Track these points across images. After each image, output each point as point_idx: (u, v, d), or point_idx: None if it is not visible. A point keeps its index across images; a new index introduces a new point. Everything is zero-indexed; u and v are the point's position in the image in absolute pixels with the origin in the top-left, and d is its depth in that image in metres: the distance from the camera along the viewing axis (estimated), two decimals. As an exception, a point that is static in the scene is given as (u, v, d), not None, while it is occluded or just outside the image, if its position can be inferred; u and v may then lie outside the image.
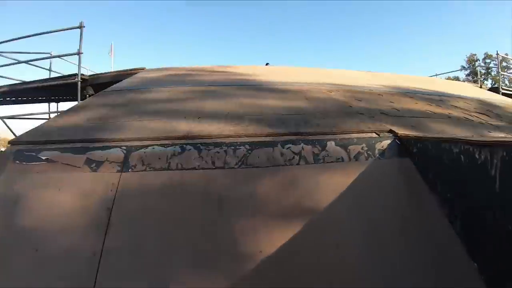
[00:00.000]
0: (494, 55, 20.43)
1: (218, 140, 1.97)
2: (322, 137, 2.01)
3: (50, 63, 7.39)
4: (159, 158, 1.83)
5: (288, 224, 1.56)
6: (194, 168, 1.80)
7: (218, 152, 1.86)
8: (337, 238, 1.53)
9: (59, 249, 1.47)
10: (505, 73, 11.67)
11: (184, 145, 1.90)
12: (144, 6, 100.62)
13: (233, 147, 1.88)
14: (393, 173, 1.84)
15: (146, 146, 1.90)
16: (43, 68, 7.25)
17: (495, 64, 20.64)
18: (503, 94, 6.92)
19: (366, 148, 1.93)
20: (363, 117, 2.51)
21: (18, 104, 7.34)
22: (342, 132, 2.11)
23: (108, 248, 1.45)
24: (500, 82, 8.36)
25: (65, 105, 7.23)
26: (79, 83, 5.08)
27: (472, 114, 3.24)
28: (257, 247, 1.47)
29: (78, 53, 5.20)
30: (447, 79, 22.46)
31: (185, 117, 2.43)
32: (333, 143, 1.94)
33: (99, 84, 5.42)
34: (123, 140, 1.97)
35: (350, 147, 1.92)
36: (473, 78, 21.50)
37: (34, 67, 6.69)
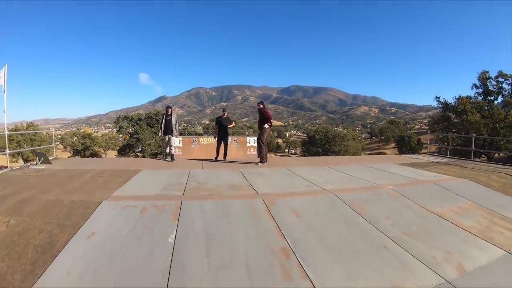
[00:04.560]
0: (509, 73, 19.72)
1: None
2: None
3: None
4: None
5: None
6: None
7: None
8: None
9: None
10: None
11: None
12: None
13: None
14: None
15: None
16: None
17: (508, 84, 19.92)
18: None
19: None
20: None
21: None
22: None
23: None
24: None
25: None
26: None
27: None
28: None
29: None
30: (458, 98, 21.71)
31: None
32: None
33: None
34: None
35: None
36: (484, 98, 20.76)
37: None
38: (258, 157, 7.85)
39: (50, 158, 8.03)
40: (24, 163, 44.41)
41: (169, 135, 8.15)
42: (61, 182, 5.06)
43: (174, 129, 8.08)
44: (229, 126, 8.37)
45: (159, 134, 8.33)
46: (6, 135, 6.49)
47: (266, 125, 7.32)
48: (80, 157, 57.94)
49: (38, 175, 5.69)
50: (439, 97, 24.53)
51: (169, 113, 8.12)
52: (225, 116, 8.35)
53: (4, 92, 6.30)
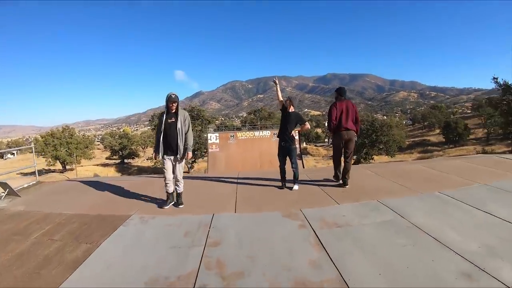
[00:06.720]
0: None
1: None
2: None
3: None
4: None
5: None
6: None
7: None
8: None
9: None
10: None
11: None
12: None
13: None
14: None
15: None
16: None
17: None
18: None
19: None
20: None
21: None
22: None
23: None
24: None
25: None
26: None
27: None
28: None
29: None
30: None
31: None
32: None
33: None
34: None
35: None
36: None
37: None
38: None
39: (31, 183, 6.03)
40: (62, 166, 45.04)
41: (174, 156, 3.96)
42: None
43: (181, 141, 3.89)
44: (304, 128, 4.96)
45: (158, 155, 3.95)
46: None
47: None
48: (118, 157, 59.70)
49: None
50: (497, 78, 20.60)
51: (173, 110, 3.86)
52: (291, 109, 4.82)
53: None
